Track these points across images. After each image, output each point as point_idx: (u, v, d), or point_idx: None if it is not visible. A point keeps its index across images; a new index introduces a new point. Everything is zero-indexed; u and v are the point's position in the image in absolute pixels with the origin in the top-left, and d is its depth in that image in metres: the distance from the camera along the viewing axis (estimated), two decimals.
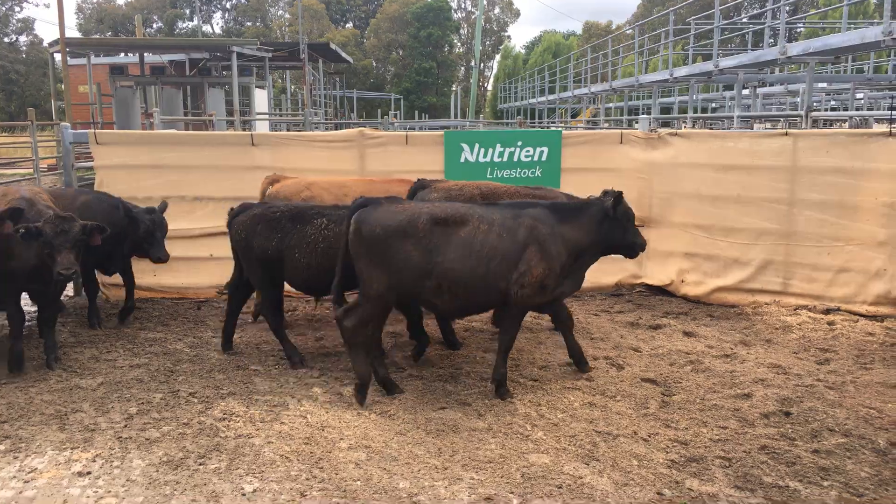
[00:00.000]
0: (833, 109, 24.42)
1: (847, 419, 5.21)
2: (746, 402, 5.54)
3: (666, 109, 27.62)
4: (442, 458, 4.67)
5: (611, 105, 33.98)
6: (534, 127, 32.45)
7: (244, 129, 17.29)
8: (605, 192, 5.92)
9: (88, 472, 4.50)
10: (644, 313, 8.05)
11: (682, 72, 16.64)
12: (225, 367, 6.42)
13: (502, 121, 40.07)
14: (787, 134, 8.05)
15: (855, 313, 7.69)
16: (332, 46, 26.99)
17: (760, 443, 4.87)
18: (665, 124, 17.61)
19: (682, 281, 8.61)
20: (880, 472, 4.47)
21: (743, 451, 4.75)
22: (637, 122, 9.48)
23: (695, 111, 24.01)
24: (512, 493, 4.26)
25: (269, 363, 6.52)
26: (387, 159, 8.55)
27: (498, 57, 79.63)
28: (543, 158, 8.53)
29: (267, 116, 20.77)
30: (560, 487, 4.32)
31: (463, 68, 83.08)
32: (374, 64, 78.31)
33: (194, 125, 17.87)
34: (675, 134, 8.56)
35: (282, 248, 6.23)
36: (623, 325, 7.58)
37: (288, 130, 20.47)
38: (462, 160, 8.51)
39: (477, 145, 8.50)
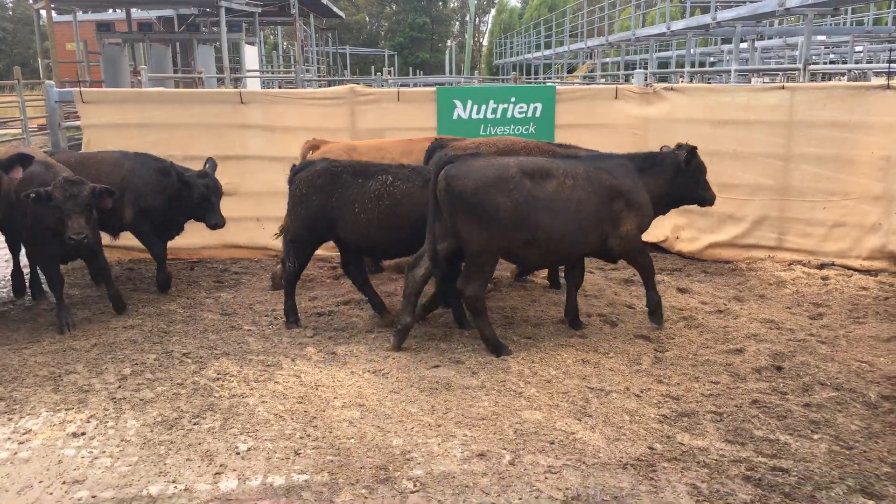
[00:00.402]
0: (832, 62, 24.12)
1: (839, 373, 5.23)
2: (738, 358, 5.56)
3: (663, 64, 27.26)
4: (435, 416, 4.69)
5: (607, 60, 33.56)
6: (529, 83, 32.04)
7: (234, 87, 17.03)
8: (679, 146, 6.10)
9: (83, 433, 4.51)
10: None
11: (678, 25, 16.36)
12: (219, 327, 6.41)
13: (497, 77, 39.61)
14: (783, 88, 7.95)
15: (849, 268, 7.69)
16: (324, 0, 26.46)
17: (752, 397, 4.89)
18: (662, 79, 17.38)
19: (677, 237, 8.59)
20: (870, 424, 4.51)
21: (734, 406, 4.78)
22: (633, 77, 9.34)
23: (692, 65, 23.71)
24: (504, 449, 4.28)
25: (263, 323, 6.52)
26: (379, 116, 8.45)
27: (493, 11, 78.27)
28: (537, 114, 8.42)
29: (258, 74, 20.43)
30: (552, 443, 4.34)
31: (457, 23, 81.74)
32: (367, 19, 76.91)
33: (183, 83, 17.58)
34: (672, 89, 8.44)
35: (341, 203, 6.04)
36: (617, 283, 7.58)
37: (279, 88, 20.18)
38: (455, 117, 8.39)
39: (469, 102, 8.38)
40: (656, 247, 8.72)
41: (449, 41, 76.34)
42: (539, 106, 8.38)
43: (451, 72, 49.02)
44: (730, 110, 8.12)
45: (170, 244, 8.55)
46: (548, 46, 32.47)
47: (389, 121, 8.39)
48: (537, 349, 5.79)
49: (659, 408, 4.78)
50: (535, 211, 5.43)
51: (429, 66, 65.70)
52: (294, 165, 6.46)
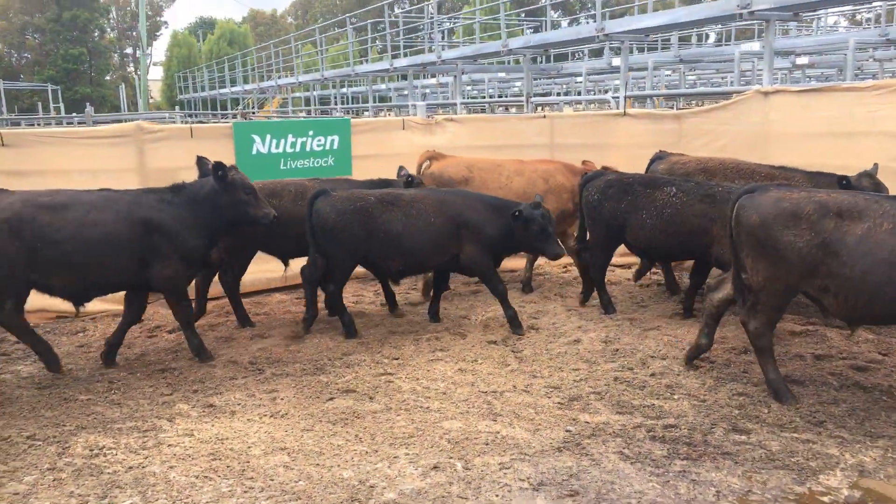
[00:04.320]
0: (500, 96, 27.89)
1: (658, 347, 6.39)
2: (581, 346, 6.45)
3: (379, 98, 28.68)
4: (365, 443, 4.74)
5: (299, 94, 34.31)
6: (226, 119, 31.31)
7: None
8: None
9: None
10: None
11: (402, 63, 17.68)
12: (47, 401, 5.54)
13: (192, 112, 37.93)
14: (545, 117, 9.31)
15: None
16: None
17: (612, 375, 5.78)
18: (387, 112, 18.49)
19: None
20: (705, 381, 5.65)
21: (604, 385, 5.61)
22: (416, 109, 10.02)
23: (387, 100, 25.49)
24: (451, 458, 4.53)
25: (99, 389, 5.77)
26: (171, 154, 7.94)
27: (159, 44, 74.50)
28: (335, 147, 8.65)
29: None
30: (487, 444, 4.70)
31: (116, 55, 76.09)
32: (6, 50, 67.80)
33: None
34: (451, 120, 9.31)
35: None
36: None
37: None
38: (254, 152, 8.24)
39: (268, 136, 8.30)
40: None
41: (108, 75, 70.79)
42: (336, 138, 8.62)
43: (125, 108, 45.60)
44: (503, 136, 9.25)
45: None
46: (246, 81, 32.05)
47: (184, 158, 7.88)
48: (412, 367, 6.06)
49: (549, 398, 5.41)
50: (837, 256, 4.76)
51: (92, 100, 60.06)
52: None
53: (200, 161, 6.44)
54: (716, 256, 6.66)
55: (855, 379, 5.55)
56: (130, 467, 4.48)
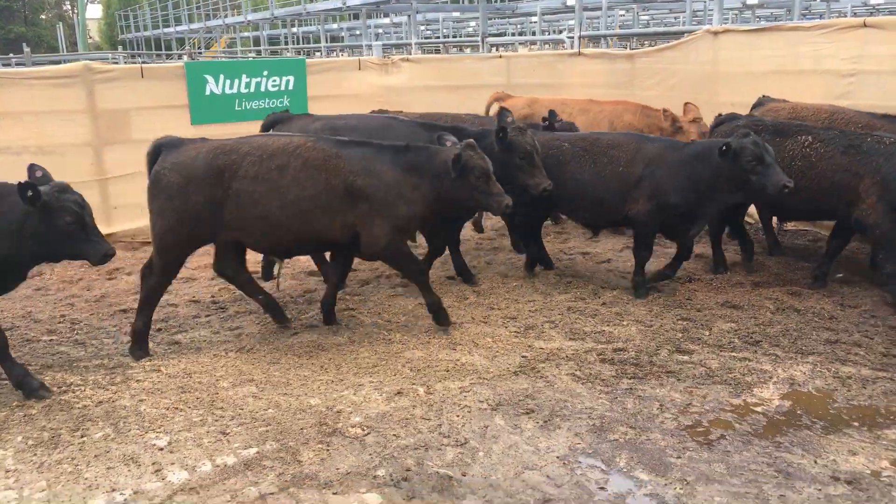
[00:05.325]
0: (454, 36, 27.60)
1: (609, 279, 6.68)
2: (536, 280, 6.70)
3: (331, 38, 28.08)
4: (331, 373, 4.93)
5: (247, 34, 33.39)
6: (172, 59, 30.36)
7: None
8: None
9: None
10: None
11: (355, 1, 17.33)
12: (9, 342, 5.56)
13: (134, 52, 36.56)
14: (501, 57, 9.35)
15: None
16: None
17: (566, 305, 6.05)
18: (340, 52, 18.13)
19: None
20: (652, 308, 5.96)
21: (558, 314, 5.87)
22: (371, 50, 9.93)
23: (331, 40, 24.89)
24: (413, 384, 4.75)
25: (62, 330, 5.84)
26: (122, 95, 7.82)
27: None
28: (290, 87, 8.59)
29: None
30: (448, 371, 4.93)
31: None
32: None
33: None
34: (408, 60, 9.29)
35: None
36: None
37: None
38: (207, 93, 8.15)
39: (222, 76, 8.20)
40: None
41: (43, 14, 67.53)
42: (291, 79, 8.55)
43: (64, 49, 43.72)
44: (459, 76, 9.28)
45: None
46: (192, 20, 30.97)
47: (135, 100, 7.83)
48: (373, 303, 6.24)
49: (506, 327, 5.65)
50: None
51: (27, 40, 57.32)
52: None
53: (502, 113, 6.15)
54: (856, 218, 5.79)
55: (790, 303, 5.93)
56: (100, 402, 4.59)
